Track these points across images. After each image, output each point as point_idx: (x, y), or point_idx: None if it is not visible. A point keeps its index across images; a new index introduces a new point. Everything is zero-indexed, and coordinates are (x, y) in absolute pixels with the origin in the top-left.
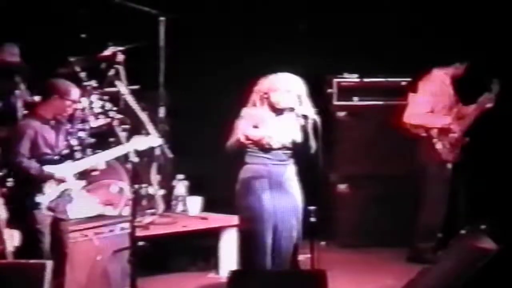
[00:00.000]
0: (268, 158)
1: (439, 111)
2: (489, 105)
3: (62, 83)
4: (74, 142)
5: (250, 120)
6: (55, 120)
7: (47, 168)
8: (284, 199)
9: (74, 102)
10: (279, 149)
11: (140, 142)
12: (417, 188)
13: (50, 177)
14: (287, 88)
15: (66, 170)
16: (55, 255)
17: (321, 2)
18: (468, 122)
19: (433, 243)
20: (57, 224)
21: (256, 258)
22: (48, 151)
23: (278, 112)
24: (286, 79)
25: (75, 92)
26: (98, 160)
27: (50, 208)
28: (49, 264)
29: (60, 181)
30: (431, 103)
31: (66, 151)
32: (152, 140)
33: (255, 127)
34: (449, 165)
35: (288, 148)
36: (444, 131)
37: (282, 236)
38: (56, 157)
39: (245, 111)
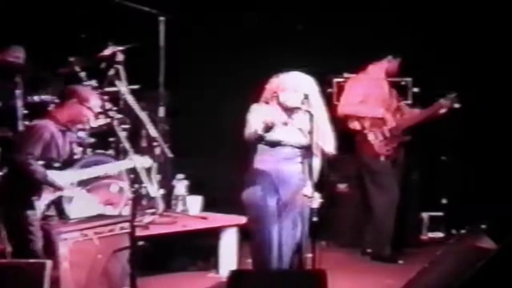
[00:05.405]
0: (275, 155)
1: (371, 103)
2: (442, 111)
3: (83, 89)
4: (76, 150)
5: (260, 115)
6: (67, 126)
7: (50, 174)
8: (290, 196)
9: (92, 111)
10: (288, 146)
11: (135, 161)
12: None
13: (50, 183)
14: (294, 87)
15: (67, 178)
16: (46, 252)
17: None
18: (413, 122)
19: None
20: (45, 221)
21: (263, 256)
22: (55, 157)
23: (289, 111)
24: (293, 78)
25: (95, 101)
26: (98, 172)
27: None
28: (49, 263)
29: (58, 188)
30: (361, 94)
31: (69, 159)
32: (145, 161)
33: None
34: (382, 158)
35: (296, 146)
36: (376, 123)
37: (286, 235)
38: (58, 164)
39: (255, 106)
